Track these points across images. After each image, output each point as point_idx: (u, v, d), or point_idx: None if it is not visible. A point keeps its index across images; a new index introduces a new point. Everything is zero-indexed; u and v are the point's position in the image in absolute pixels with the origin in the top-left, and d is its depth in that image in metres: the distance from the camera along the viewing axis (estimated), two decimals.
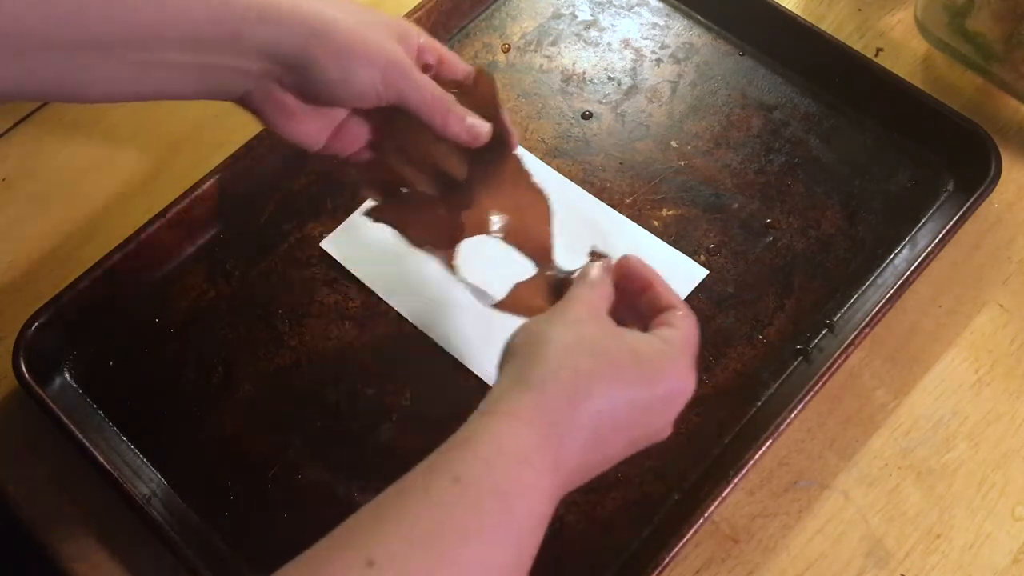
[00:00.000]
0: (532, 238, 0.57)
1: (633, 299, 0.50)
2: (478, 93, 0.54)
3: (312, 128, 0.53)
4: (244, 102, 0.51)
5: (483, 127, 0.53)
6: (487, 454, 0.41)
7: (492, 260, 0.56)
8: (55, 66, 0.45)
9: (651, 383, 0.44)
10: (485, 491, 0.39)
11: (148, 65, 0.47)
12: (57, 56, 0.45)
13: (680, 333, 0.47)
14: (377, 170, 0.57)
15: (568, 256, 0.64)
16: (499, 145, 0.55)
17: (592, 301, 0.48)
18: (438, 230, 0.56)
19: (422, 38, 0.53)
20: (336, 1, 0.50)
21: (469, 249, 0.58)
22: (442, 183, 0.56)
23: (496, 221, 0.57)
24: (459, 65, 0.55)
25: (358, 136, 0.55)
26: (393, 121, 0.53)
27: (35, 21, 0.43)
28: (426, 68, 0.53)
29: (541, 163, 0.68)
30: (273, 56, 0.48)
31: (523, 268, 0.57)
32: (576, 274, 0.51)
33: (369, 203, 0.59)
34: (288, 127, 0.52)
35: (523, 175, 0.57)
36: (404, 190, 0.57)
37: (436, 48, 0.54)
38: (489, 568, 0.39)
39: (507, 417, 0.42)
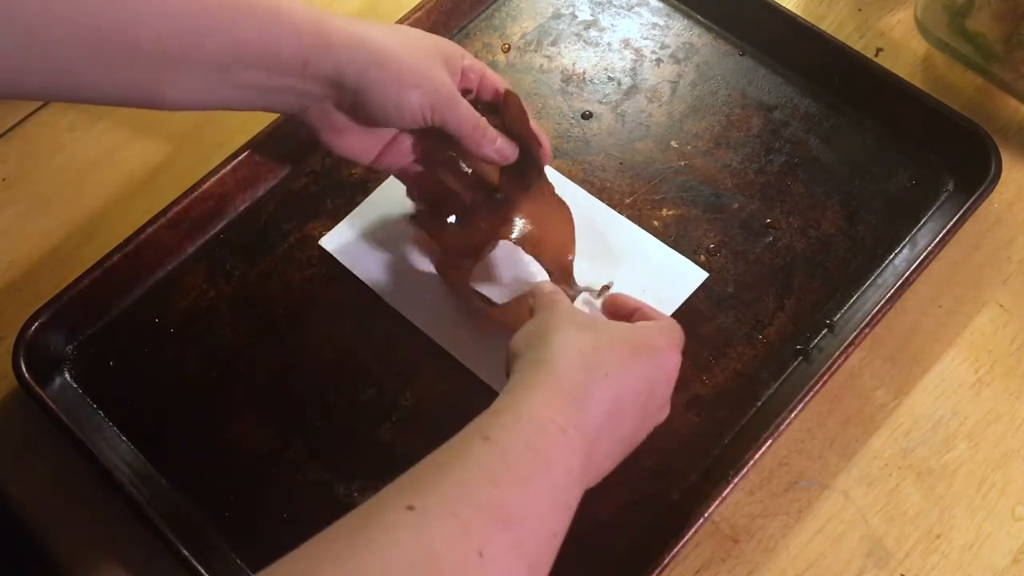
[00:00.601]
0: (553, 250, 0.61)
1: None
2: (510, 114, 0.58)
3: (364, 145, 0.58)
4: (301, 118, 0.56)
5: (510, 149, 0.58)
6: (514, 418, 0.43)
7: (503, 271, 0.62)
8: (141, 76, 0.48)
9: (650, 357, 0.49)
10: (517, 445, 0.42)
11: (223, 82, 0.50)
12: (147, 68, 0.48)
13: (663, 322, 0.53)
14: (425, 181, 0.62)
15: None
16: (530, 159, 0.59)
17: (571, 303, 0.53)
18: (471, 241, 0.61)
19: (466, 60, 0.58)
20: (393, 29, 0.55)
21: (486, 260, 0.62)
22: (482, 197, 0.61)
23: (520, 227, 0.61)
24: (497, 82, 0.59)
25: (406, 151, 0.60)
26: (440, 139, 0.58)
27: (139, 32, 0.47)
28: (467, 89, 0.59)
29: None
30: (335, 83, 0.53)
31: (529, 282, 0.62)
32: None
33: (411, 207, 0.64)
34: (341, 143, 0.57)
35: (549, 188, 0.61)
36: (449, 210, 0.62)
37: (478, 69, 0.59)
38: (527, 514, 0.40)
39: (528, 390, 0.45)
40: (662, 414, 0.53)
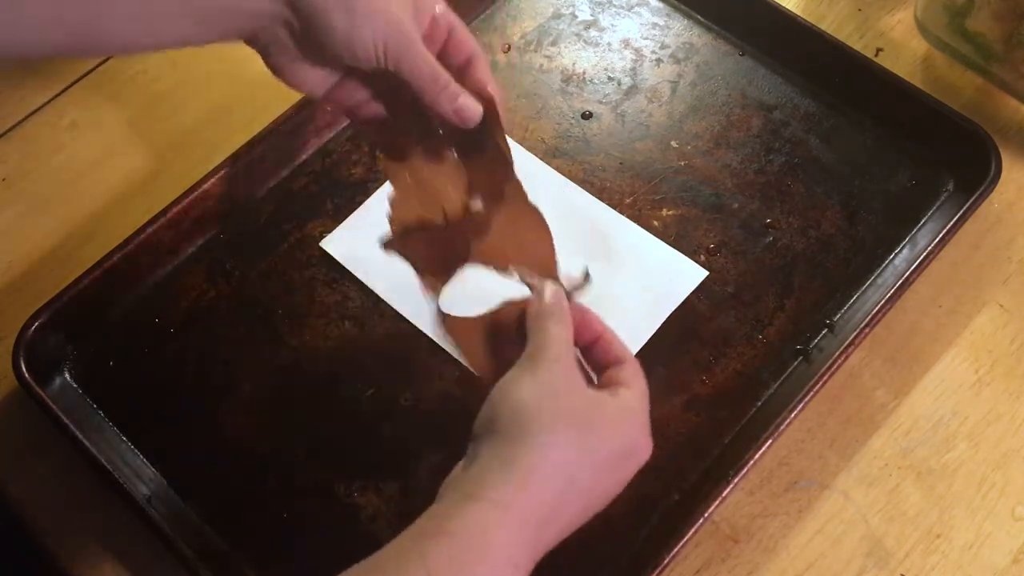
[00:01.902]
0: (536, 261, 0.57)
1: (583, 347, 0.50)
2: (486, 118, 0.55)
3: (314, 76, 0.52)
4: (251, 41, 0.51)
5: (473, 110, 0.53)
6: (470, 550, 0.39)
7: (476, 285, 0.56)
8: (73, 17, 0.45)
9: (626, 457, 0.46)
10: None
11: (170, 11, 0.47)
12: (74, 5, 0.45)
13: (636, 394, 0.47)
14: (386, 129, 0.57)
15: (566, 258, 0.64)
16: (499, 166, 0.56)
17: (563, 345, 0.47)
18: (445, 258, 0.56)
19: (439, 7, 0.53)
20: None
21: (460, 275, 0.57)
22: (455, 215, 0.57)
23: (498, 240, 0.57)
24: (470, 46, 0.55)
25: (358, 88, 0.54)
26: (396, 86, 0.54)
27: None
28: (434, 38, 0.54)
29: (541, 163, 0.68)
30: (290, 1, 0.48)
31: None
32: (535, 292, 0.51)
33: (384, 235, 0.58)
34: (290, 72, 0.52)
35: (521, 196, 0.57)
36: (421, 232, 0.57)
37: (450, 21, 0.54)
38: None
39: (496, 508, 0.40)
40: (615, 495, 0.47)
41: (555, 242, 0.57)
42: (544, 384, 0.44)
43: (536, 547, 0.42)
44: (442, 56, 0.55)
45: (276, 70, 0.52)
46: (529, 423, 0.43)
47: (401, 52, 0.50)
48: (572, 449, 0.43)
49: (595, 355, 0.50)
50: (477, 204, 0.57)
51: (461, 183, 0.57)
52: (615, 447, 0.45)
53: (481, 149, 0.57)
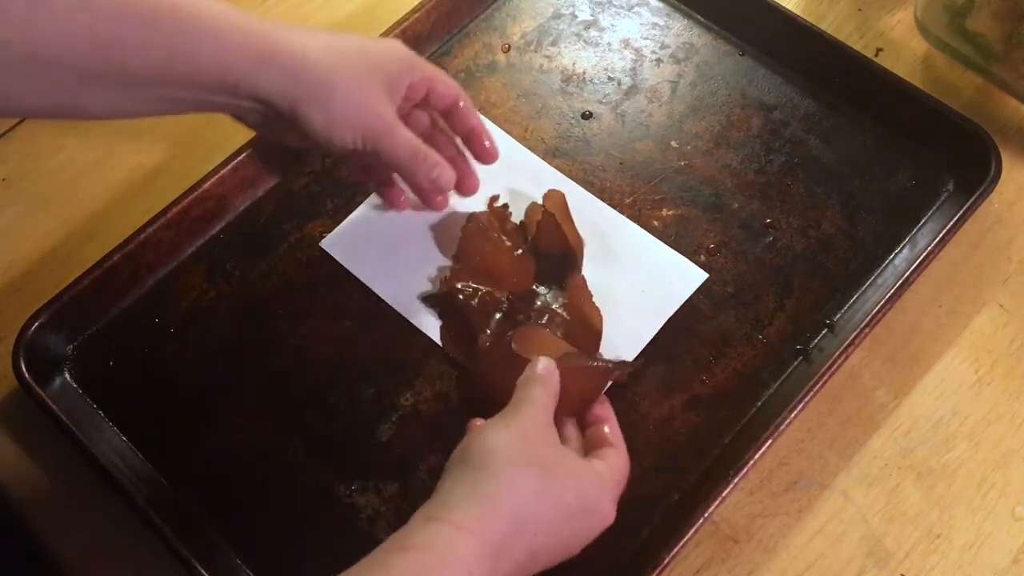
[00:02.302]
0: (582, 341, 0.60)
1: (579, 417, 0.55)
2: (544, 229, 0.62)
3: (303, 143, 0.57)
4: (238, 118, 0.56)
5: (447, 177, 0.58)
6: (434, 562, 0.42)
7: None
8: (63, 91, 0.47)
9: (587, 520, 0.48)
10: None
11: (150, 98, 0.50)
12: (68, 83, 0.47)
13: (611, 468, 0.51)
14: (370, 171, 0.62)
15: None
16: (568, 261, 0.62)
17: (542, 406, 0.51)
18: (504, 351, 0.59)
19: (415, 75, 0.57)
20: (334, 44, 0.54)
21: None
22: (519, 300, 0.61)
23: (557, 319, 0.61)
24: (454, 92, 0.59)
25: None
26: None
27: (59, 49, 0.45)
28: (413, 98, 0.58)
29: (541, 163, 0.68)
30: (266, 102, 0.52)
31: None
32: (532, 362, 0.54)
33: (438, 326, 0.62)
34: (280, 140, 0.57)
35: (586, 294, 0.61)
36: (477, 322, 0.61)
37: (428, 79, 0.58)
38: None
39: (458, 530, 0.43)
40: (571, 555, 0.50)
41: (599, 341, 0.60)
42: (515, 431, 0.48)
43: (494, 571, 0.44)
44: (424, 105, 0.59)
45: (266, 137, 0.58)
46: (495, 459, 0.46)
47: (379, 141, 0.55)
48: (531, 486, 0.46)
49: (589, 436, 0.54)
50: (542, 291, 0.62)
51: (529, 270, 0.62)
52: (574, 498, 0.48)
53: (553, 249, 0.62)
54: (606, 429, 0.54)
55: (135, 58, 0.48)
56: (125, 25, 0.47)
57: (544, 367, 0.53)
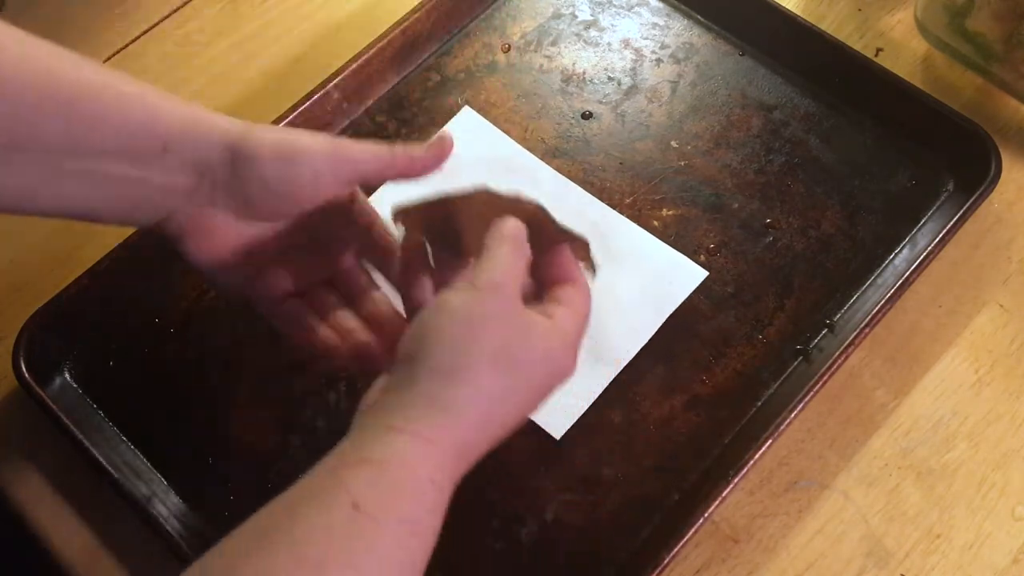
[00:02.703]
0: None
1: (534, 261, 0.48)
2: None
3: (243, 251, 0.49)
4: (164, 226, 0.48)
5: (433, 154, 0.50)
6: (394, 485, 0.39)
7: None
8: None
9: (549, 378, 0.45)
10: (390, 520, 0.38)
11: (73, 174, 0.45)
12: None
13: (572, 312, 0.46)
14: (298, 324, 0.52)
15: None
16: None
17: (512, 276, 0.45)
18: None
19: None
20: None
21: None
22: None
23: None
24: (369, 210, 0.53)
25: (279, 283, 0.51)
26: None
27: None
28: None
29: (541, 163, 0.68)
30: (203, 169, 0.46)
31: None
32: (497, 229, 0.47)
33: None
34: (207, 253, 0.48)
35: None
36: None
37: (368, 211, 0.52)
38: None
39: (419, 440, 0.40)
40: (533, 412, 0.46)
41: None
42: (477, 317, 0.43)
43: (457, 470, 0.42)
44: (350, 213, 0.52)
45: (190, 253, 0.49)
46: (456, 360, 0.42)
47: (345, 152, 0.48)
48: (497, 387, 0.42)
49: (546, 271, 0.48)
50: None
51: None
52: (539, 377, 0.44)
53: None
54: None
55: (59, 121, 0.43)
56: (49, 95, 0.43)
57: (515, 225, 0.47)
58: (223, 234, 0.48)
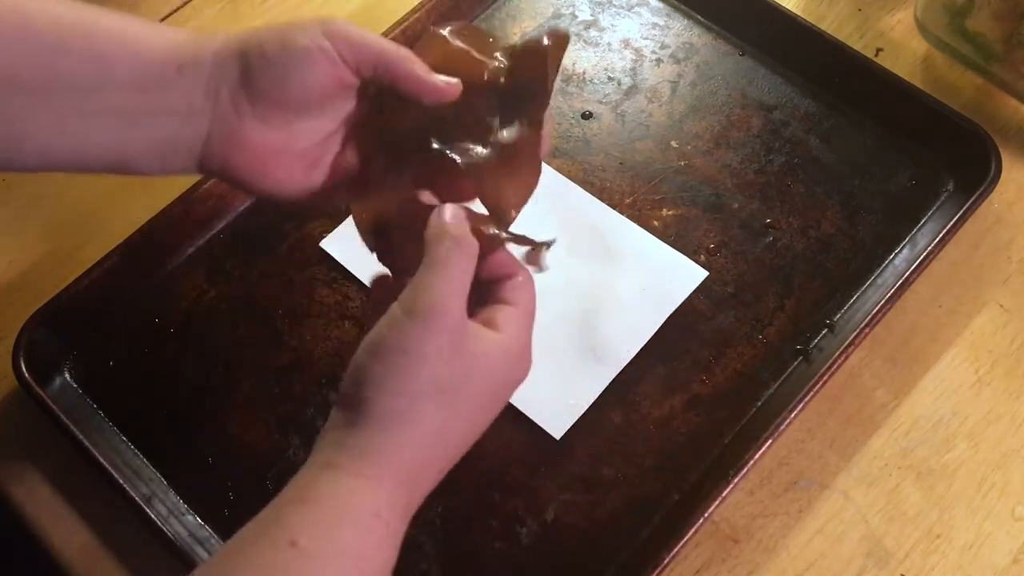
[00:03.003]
0: (505, 199, 0.49)
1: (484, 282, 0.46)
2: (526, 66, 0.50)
3: (296, 170, 0.47)
4: (206, 160, 0.46)
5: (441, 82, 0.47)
6: (334, 520, 0.38)
7: None
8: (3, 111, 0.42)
9: (498, 399, 0.43)
10: (333, 554, 0.37)
11: (98, 114, 0.44)
12: (7, 101, 0.42)
13: (520, 313, 0.44)
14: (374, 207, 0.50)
15: (570, 259, 0.64)
16: (534, 94, 0.51)
17: (459, 285, 0.41)
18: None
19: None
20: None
21: None
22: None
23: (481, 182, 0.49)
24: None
25: (340, 164, 0.48)
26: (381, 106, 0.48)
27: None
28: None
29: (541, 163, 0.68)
30: (218, 78, 0.45)
31: None
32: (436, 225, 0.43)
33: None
34: (259, 171, 0.46)
35: (536, 140, 0.51)
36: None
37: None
38: None
39: (359, 478, 0.39)
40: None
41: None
42: (415, 355, 0.40)
43: (406, 503, 0.40)
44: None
45: (245, 177, 0.47)
46: (394, 403, 0.40)
47: (344, 31, 0.46)
48: (439, 420, 0.41)
49: (484, 270, 0.45)
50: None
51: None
52: (488, 400, 0.43)
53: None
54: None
55: (78, 58, 0.43)
56: (67, 36, 0.43)
57: (453, 215, 0.43)
58: (262, 145, 0.46)
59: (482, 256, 0.44)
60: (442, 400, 0.41)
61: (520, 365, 0.44)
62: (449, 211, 0.43)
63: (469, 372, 0.41)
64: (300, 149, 0.47)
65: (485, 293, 0.46)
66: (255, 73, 0.45)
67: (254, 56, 0.45)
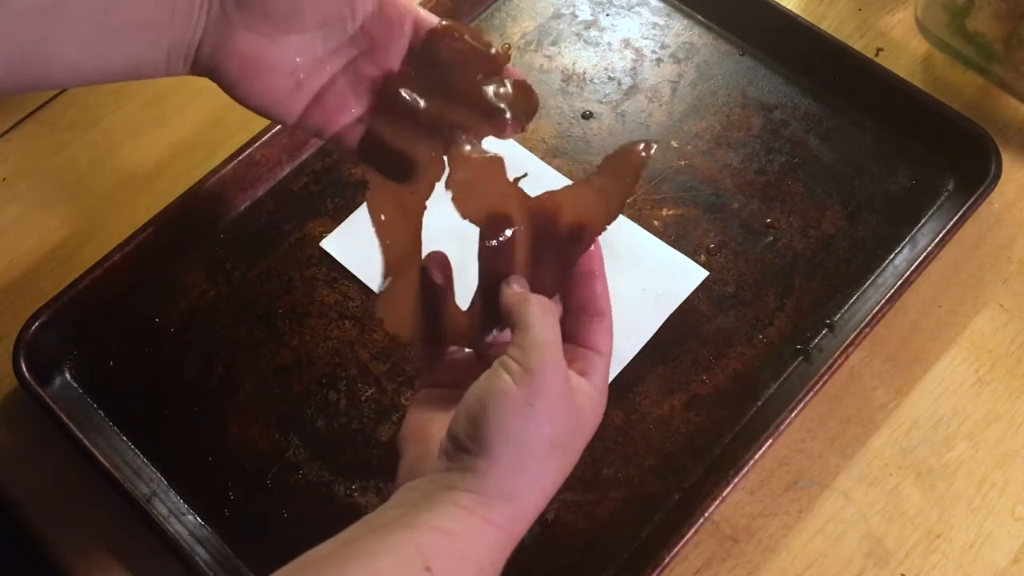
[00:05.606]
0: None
1: (571, 312, 0.47)
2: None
3: (280, 85, 0.47)
4: (200, 62, 0.47)
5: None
6: (464, 551, 0.40)
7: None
8: (9, 41, 0.42)
9: (588, 438, 0.45)
10: None
11: (108, 27, 0.44)
12: (9, 27, 0.42)
13: (605, 362, 0.46)
14: (377, 144, 0.50)
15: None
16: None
17: (559, 351, 0.43)
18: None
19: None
20: None
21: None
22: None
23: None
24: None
25: (344, 105, 0.49)
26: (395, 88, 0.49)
27: None
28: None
29: (541, 163, 0.68)
30: None
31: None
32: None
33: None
34: (252, 83, 0.47)
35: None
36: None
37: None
38: None
39: (488, 524, 0.41)
40: None
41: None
42: (538, 407, 0.42)
43: (510, 549, 0.43)
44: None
45: (237, 87, 0.47)
46: (519, 453, 0.42)
47: None
48: (554, 470, 0.43)
49: (576, 298, 0.47)
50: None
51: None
52: (583, 443, 0.45)
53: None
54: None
55: None
56: None
57: (520, 283, 0.46)
58: (248, 52, 0.46)
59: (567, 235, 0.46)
60: (556, 452, 0.43)
61: (602, 410, 0.46)
62: (516, 282, 0.46)
63: (576, 427, 0.44)
64: (286, 65, 0.47)
65: (572, 325, 0.47)
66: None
67: None
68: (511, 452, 0.41)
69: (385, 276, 0.48)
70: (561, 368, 0.43)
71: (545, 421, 0.42)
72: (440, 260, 0.48)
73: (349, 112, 0.49)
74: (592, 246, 0.47)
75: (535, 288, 0.46)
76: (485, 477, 0.41)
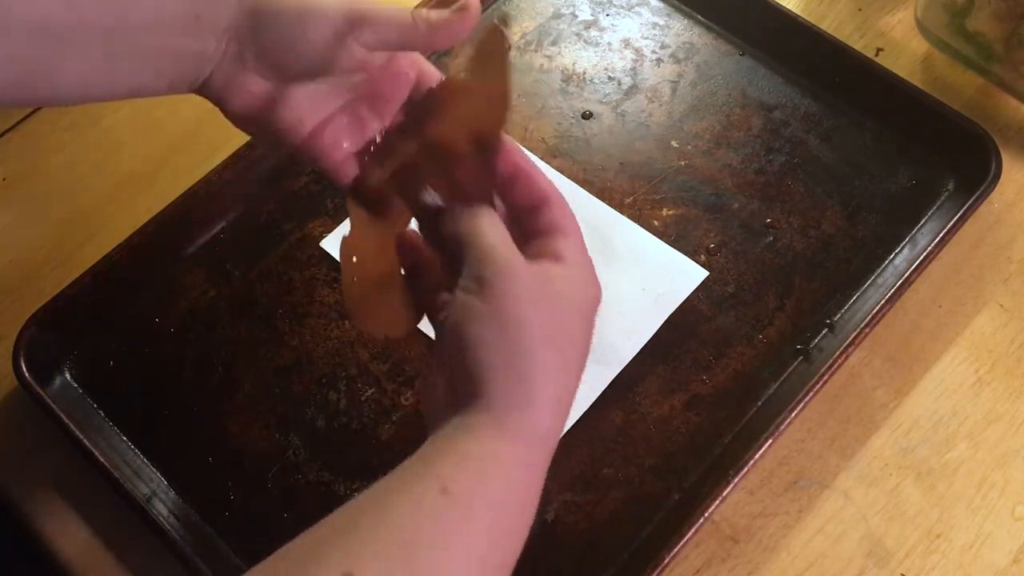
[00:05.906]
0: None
1: (520, 210, 0.46)
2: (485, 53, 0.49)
3: (281, 119, 0.49)
4: (206, 89, 0.49)
5: (455, 21, 0.48)
6: (483, 467, 0.39)
7: None
8: (18, 59, 0.44)
9: (587, 318, 0.44)
10: (479, 505, 0.38)
11: (111, 54, 0.46)
12: (27, 46, 0.43)
13: (576, 242, 0.45)
14: (370, 183, 0.51)
15: None
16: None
17: (501, 247, 0.42)
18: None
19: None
20: None
21: None
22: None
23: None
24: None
25: (338, 141, 0.51)
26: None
27: (28, 7, 0.43)
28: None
29: (541, 163, 0.68)
30: (230, 30, 0.47)
31: None
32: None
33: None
34: (255, 116, 0.49)
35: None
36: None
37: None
38: (475, 570, 0.37)
39: (503, 441, 0.40)
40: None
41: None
42: (509, 316, 0.41)
43: (544, 456, 0.42)
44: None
45: (239, 116, 0.50)
46: (515, 369, 0.40)
47: (357, 21, 0.46)
48: (556, 364, 0.41)
49: (516, 196, 0.46)
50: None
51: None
52: (579, 327, 0.43)
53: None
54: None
55: (104, 4, 0.45)
56: None
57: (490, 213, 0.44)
58: (257, 93, 0.49)
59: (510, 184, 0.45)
60: (550, 347, 0.41)
61: (593, 284, 0.45)
62: (448, 214, 0.44)
63: (562, 315, 0.42)
64: (290, 104, 0.49)
65: (525, 223, 0.46)
66: (266, 33, 0.47)
67: (268, 18, 0.47)
68: (500, 364, 0.40)
69: (354, 302, 0.49)
70: (516, 264, 0.42)
71: (522, 320, 0.40)
72: (410, 244, 0.49)
73: (343, 148, 0.51)
74: (502, 146, 0.46)
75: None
76: (487, 397, 0.40)
